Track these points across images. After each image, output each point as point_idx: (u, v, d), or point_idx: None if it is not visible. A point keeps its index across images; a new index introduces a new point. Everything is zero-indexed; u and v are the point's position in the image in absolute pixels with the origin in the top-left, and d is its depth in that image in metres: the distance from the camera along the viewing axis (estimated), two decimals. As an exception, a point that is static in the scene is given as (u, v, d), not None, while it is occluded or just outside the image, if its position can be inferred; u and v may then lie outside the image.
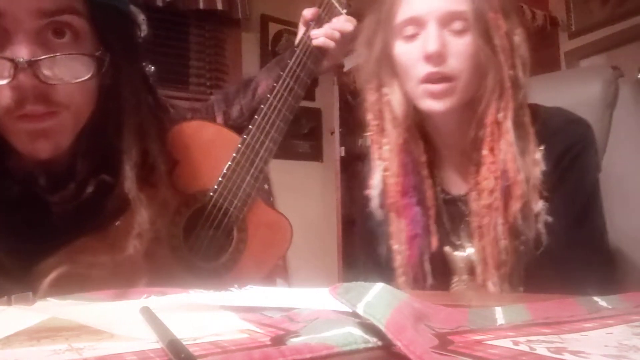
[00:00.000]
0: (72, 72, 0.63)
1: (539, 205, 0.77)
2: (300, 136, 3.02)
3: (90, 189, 0.70)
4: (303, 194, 2.99)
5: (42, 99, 0.62)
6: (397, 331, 0.34)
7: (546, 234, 0.77)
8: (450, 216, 0.87)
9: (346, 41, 0.94)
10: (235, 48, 2.86)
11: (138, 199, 0.70)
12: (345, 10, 0.94)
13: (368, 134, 0.89)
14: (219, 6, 2.69)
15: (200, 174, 0.85)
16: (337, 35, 0.92)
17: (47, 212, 0.68)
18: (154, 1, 2.55)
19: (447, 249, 0.87)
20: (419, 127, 0.86)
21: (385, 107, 0.86)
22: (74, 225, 0.68)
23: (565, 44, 2.71)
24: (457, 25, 0.77)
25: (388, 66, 0.84)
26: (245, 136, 0.87)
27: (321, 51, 0.93)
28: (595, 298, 0.50)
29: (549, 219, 0.77)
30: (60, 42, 0.63)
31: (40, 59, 0.60)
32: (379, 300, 0.41)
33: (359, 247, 1.01)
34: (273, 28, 2.95)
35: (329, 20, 0.94)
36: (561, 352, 0.32)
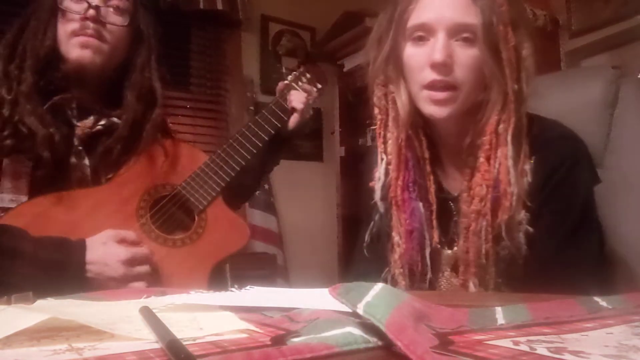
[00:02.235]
0: (116, 20, 1.06)
1: (521, 215, 0.78)
2: (301, 136, 3.02)
3: (102, 123, 1.06)
4: (303, 193, 2.99)
5: (96, 29, 1.03)
6: (397, 331, 0.34)
7: (528, 244, 0.78)
8: (440, 214, 0.88)
9: (308, 107, 1.28)
10: (235, 48, 2.86)
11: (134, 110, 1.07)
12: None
13: (373, 127, 0.92)
14: (219, 6, 2.68)
15: (171, 174, 1.13)
16: (304, 100, 1.27)
17: (71, 133, 1.04)
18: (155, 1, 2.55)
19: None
20: (422, 126, 0.88)
21: (390, 104, 0.88)
22: (88, 148, 1.05)
23: (566, 44, 2.70)
24: (466, 36, 0.79)
25: (396, 65, 0.86)
26: (212, 156, 1.16)
27: (291, 110, 1.26)
28: (596, 298, 0.50)
29: (530, 229, 0.78)
30: (115, 3, 1.06)
31: (102, 6, 1.04)
32: (379, 300, 0.41)
33: (361, 237, 1.01)
34: (273, 28, 2.95)
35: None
36: (561, 352, 0.31)
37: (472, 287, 0.81)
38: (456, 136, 0.86)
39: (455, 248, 0.86)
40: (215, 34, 2.85)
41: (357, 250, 0.99)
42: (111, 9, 1.05)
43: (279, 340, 0.37)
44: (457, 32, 0.79)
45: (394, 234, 0.88)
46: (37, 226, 0.95)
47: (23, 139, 0.96)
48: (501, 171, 0.79)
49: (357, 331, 0.36)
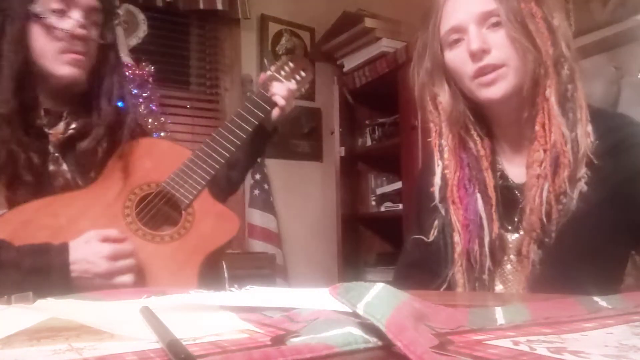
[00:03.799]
0: (95, 35, 1.07)
1: (581, 172, 0.82)
2: (300, 136, 3.02)
3: (73, 127, 1.07)
4: (303, 193, 2.99)
5: (84, 46, 1.05)
6: (397, 331, 0.34)
7: (580, 204, 0.82)
8: (506, 202, 0.91)
9: (291, 98, 1.26)
10: (235, 48, 2.86)
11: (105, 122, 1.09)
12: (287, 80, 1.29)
13: (430, 140, 1.00)
14: (219, 6, 2.68)
15: (154, 172, 1.13)
16: (286, 91, 1.25)
17: (45, 141, 1.05)
18: (154, 1, 2.54)
19: (500, 231, 0.91)
20: (479, 123, 0.95)
21: (441, 112, 0.95)
22: (62, 151, 1.06)
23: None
24: (493, 20, 0.87)
25: (439, 74, 0.94)
26: (196, 150, 1.15)
27: (274, 102, 1.24)
28: (596, 298, 0.50)
29: (585, 187, 0.82)
30: (94, 19, 1.07)
31: (85, 22, 1.04)
32: (379, 300, 0.41)
33: (412, 237, 1.03)
34: (273, 28, 2.95)
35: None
36: (561, 352, 0.32)
37: (532, 255, 0.84)
38: (514, 119, 0.90)
39: (521, 232, 0.88)
40: (215, 33, 2.85)
41: (408, 242, 1.03)
42: (93, 25, 1.07)
43: (279, 340, 0.37)
44: (484, 20, 0.87)
45: (454, 234, 0.92)
46: (24, 233, 0.95)
47: (4, 163, 0.98)
48: (554, 131, 0.83)
49: (357, 331, 0.36)
